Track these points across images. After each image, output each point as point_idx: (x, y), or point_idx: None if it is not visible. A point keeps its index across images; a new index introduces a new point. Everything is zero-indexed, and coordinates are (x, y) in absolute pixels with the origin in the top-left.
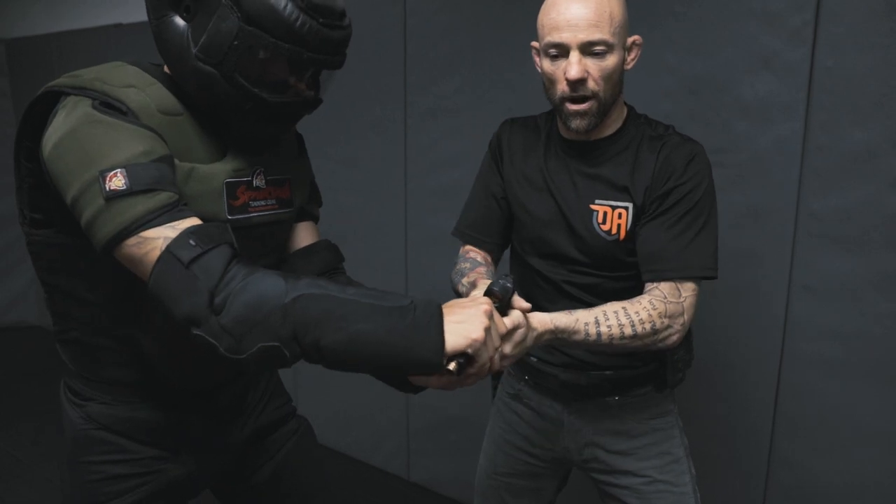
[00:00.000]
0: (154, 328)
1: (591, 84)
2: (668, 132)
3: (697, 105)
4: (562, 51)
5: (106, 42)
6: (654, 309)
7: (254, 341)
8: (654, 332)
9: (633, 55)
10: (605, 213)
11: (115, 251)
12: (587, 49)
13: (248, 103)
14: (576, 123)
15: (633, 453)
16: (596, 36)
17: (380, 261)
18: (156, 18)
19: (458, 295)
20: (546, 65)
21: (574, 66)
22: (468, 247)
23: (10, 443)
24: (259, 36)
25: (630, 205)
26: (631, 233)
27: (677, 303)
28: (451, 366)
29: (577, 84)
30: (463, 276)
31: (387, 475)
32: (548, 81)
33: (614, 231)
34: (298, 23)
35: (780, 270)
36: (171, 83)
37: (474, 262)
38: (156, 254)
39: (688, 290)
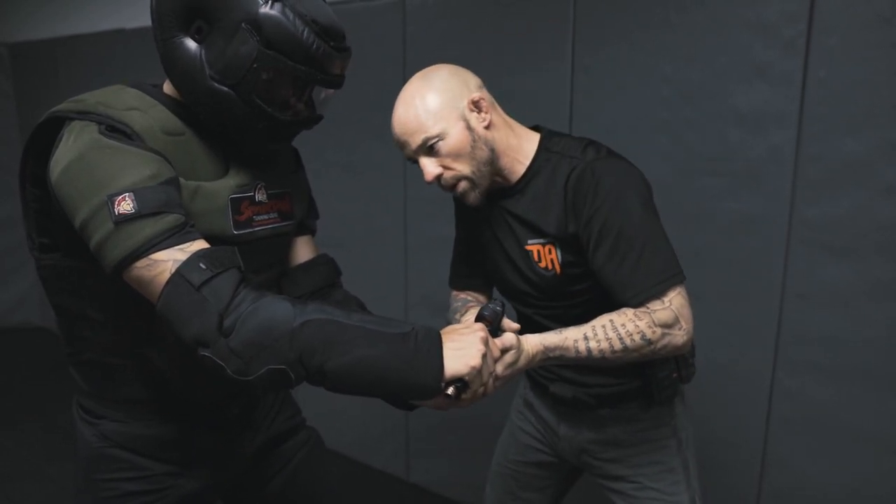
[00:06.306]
0: (165, 345)
1: (448, 174)
2: (583, 153)
3: (692, 114)
4: (412, 159)
5: (109, 47)
6: (640, 320)
7: (262, 364)
8: (648, 341)
9: (481, 113)
10: (538, 252)
11: (125, 273)
12: (423, 150)
13: (262, 122)
14: (468, 202)
15: (623, 460)
16: (419, 139)
17: (379, 266)
18: (163, 40)
19: None
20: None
21: (425, 171)
22: (458, 291)
23: (16, 442)
24: (278, 59)
25: (548, 241)
26: (564, 266)
27: (665, 309)
28: (450, 391)
29: (437, 181)
30: (456, 313)
31: (387, 476)
32: None
33: (550, 267)
34: (314, 47)
35: (774, 277)
36: (172, 103)
37: (465, 301)
38: (165, 276)
39: (668, 296)
